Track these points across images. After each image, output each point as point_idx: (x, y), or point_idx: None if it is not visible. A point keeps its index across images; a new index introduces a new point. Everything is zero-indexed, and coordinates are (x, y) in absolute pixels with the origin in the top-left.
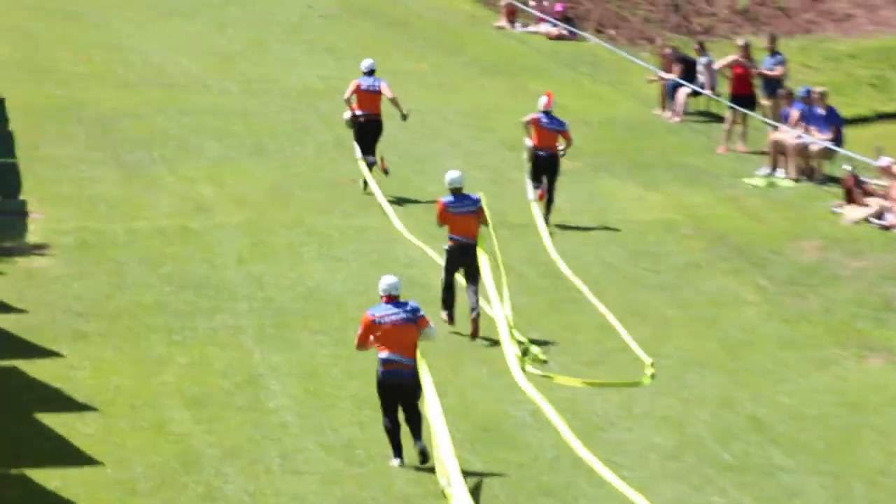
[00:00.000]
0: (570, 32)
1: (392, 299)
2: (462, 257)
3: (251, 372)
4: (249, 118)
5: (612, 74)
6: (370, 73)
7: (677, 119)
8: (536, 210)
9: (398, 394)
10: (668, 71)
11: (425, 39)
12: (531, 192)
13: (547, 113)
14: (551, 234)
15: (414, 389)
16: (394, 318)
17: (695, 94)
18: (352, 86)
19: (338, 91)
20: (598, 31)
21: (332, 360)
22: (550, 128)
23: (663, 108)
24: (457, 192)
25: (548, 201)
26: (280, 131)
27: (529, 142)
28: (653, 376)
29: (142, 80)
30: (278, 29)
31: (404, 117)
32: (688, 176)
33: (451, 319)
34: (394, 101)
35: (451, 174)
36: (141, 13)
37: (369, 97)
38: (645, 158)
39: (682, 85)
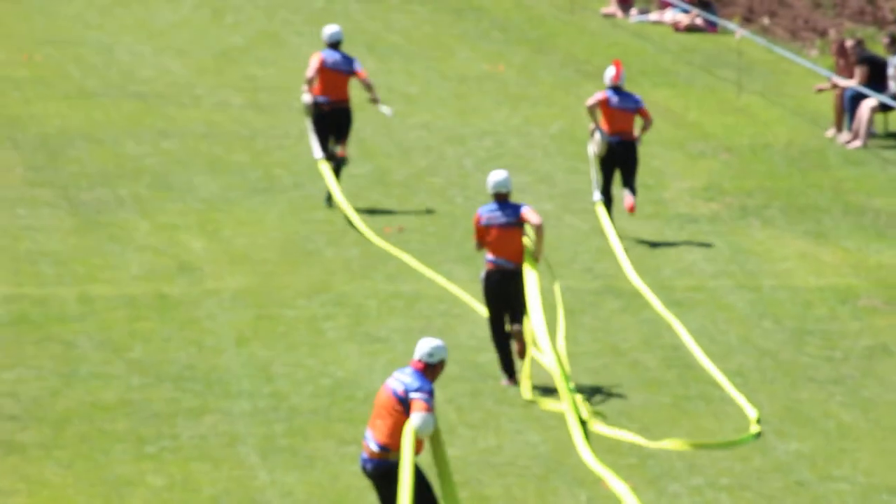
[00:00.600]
0: (708, 22)
1: (420, 367)
2: (502, 287)
3: (254, 498)
4: (256, 142)
5: (767, 81)
6: (335, 45)
7: (859, 143)
8: (604, 215)
9: (376, 486)
10: (847, 76)
11: (504, 31)
12: (598, 193)
13: (616, 89)
14: (626, 248)
15: (383, 485)
16: (386, 384)
17: (884, 108)
18: (314, 62)
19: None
20: (747, 20)
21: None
22: (623, 107)
23: (839, 128)
24: (501, 199)
25: (629, 185)
26: (299, 161)
27: (598, 130)
28: (758, 434)
29: (104, 88)
30: (297, 16)
31: (374, 101)
32: (873, 224)
33: (512, 379)
34: (368, 87)
35: (495, 175)
36: None
37: (335, 78)
38: (812, 199)
39: (865, 95)
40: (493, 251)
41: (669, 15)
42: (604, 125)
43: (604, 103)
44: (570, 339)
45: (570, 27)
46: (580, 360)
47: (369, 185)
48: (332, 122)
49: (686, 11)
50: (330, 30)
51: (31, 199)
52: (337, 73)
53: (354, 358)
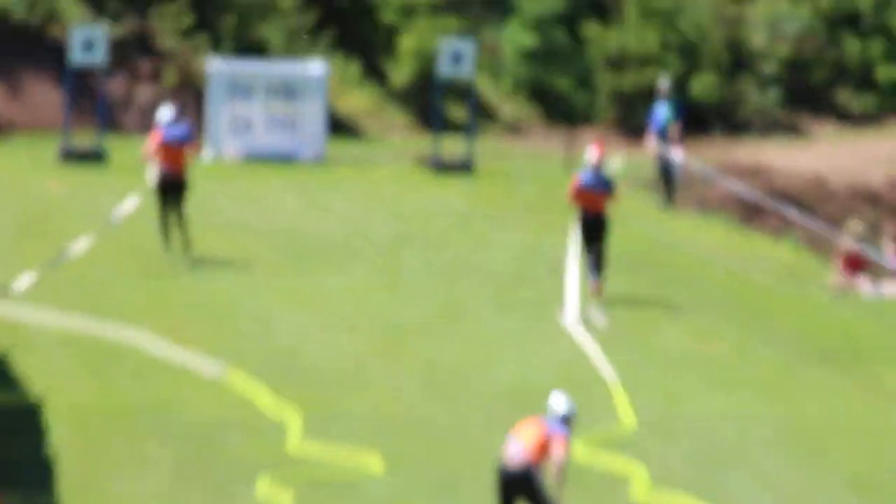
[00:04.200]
0: None
1: None
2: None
3: None
4: (435, 435)
5: None
6: (170, 122)
7: None
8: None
9: None
10: None
11: (716, 305)
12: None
13: (594, 170)
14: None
15: None
16: None
17: None
18: (153, 137)
19: (579, 392)
20: None
21: None
22: (596, 191)
23: None
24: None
25: (596, 264)
26: (485, 458)
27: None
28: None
29: (261, 367)
30: (484, 287)
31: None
32: None
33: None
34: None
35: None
36: (262, 260)
37: (171, 151)
38: None
39: None
40: None
41: None
42: (577, 202)
43: (577, 186)
44: None
45: (791, 301)
46: None
47: (569, 489)
48: (171, 190)
49: None
50: (165, 110)
51: (182, 501)
52: (173, 147)
53: None
